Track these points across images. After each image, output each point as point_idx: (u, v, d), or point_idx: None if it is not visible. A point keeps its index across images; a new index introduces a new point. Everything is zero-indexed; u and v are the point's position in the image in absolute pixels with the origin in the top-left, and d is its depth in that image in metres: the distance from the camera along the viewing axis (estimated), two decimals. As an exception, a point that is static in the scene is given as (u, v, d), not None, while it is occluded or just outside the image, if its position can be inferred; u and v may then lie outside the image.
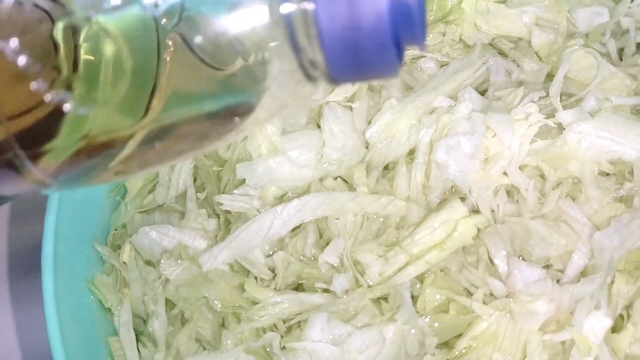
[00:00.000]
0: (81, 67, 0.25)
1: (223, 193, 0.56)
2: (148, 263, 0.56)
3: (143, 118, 0.26)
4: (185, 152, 0.29)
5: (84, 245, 0.56)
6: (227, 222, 0.56)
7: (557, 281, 0.50)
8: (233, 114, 0.27)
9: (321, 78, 0.25)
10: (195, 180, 0.59)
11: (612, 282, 0.48)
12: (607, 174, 0.54)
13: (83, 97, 0.25)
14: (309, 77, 0.25)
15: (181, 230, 0.55)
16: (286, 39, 0.24)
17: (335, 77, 0.25)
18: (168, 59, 0.25)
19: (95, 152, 0.26)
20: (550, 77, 0.58)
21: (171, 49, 0.25)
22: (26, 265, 0.64)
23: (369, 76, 0.26)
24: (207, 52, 0.25)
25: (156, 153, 0.27)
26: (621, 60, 0.58)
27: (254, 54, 0.25)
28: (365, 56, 0.24)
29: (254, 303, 0.52)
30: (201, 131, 0.27)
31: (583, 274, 0.50)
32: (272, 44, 0.25)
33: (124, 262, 0.56)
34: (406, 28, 0.24)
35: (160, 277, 0.54)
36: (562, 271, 0.51)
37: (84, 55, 0.25)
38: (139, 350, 0.53)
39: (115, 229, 0.59)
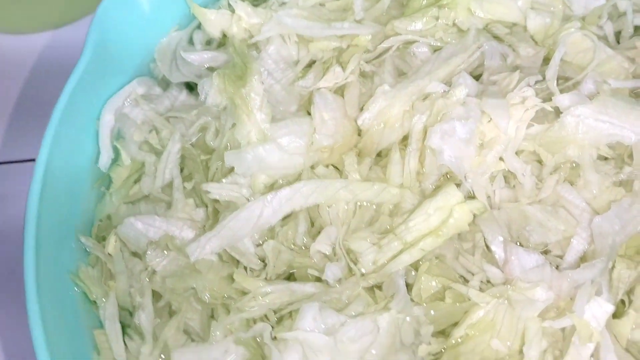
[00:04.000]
0: None
1: (211, 182, 0.54)
2: (134, 254, 0.54)
3: None
4: None
5: (68, 237, 0.54)
6: (216, 212, 0.54)
7: (556, 267, 0.48)
8: None
9: None
10: (182, 170, 0.57)
11: (613, 267, 0.47)
12: (606, 158, 0.53)
13: None
14: None
15: (168, 221, 0.53)
16: None
17: None
18: None
19: None
20: (547, 61, 0.56)
21: None
22: (8, 257, 0.62)
23: None
24: None
25: None
26: (618, 43, 0.57)
27: None
28: None
29: (244, 293, 0.50)
30: None
31: (582, 259, 0.49)
32: None
33: (109, 254, 0.54)
34: None
35: (146, 269, 0.53)
36: (560, 257, 0.49)
37: None
38: (125, 343, 0.51)
39: (100, 220, 0.57)
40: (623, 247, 0.48)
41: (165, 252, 0.52)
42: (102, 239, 0.56)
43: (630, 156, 0.52)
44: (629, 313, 0.45)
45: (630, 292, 0.47)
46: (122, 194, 0.57)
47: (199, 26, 0.64)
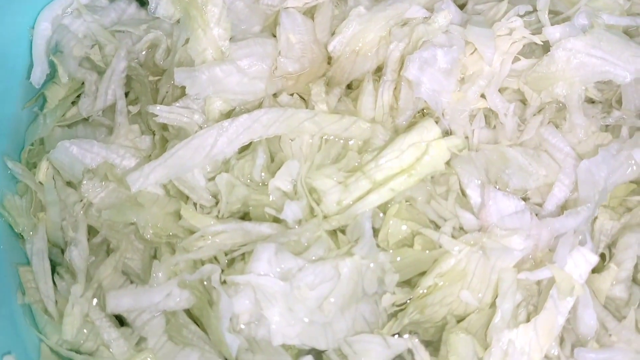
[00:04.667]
0: None
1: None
2: (68, 184, 0.48)
3: None
4: None
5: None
6: (164, 141, 0.48)
7: (536, 215, 0.45)
8: None
9: None
10: (127, 93, 0.51)
11: (595, 218, 0.43)
12: (593, 102, 0.49)
13: None
14: None
15: (108, 147, 0.47)
16: None
17: None
18: None
19: None
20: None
21: None
22: None
23: None
24: None
25: None
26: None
27: None
28: None
29: (192, 232, 0.45)
30: None
31: (563, 208, 0.45)
32: None
33: (40, 183, 0.48)
34: None
35: (81, 200, 0.47)
36: (540, 205, 0.45)
37: None
38: (54, 282, 0.45)
39: (32, 145, 0.50)
40: (607, 196, 0.45)
41: (103, 182, 0.46)
42: (33, 166, 0.49)
43: (619, 100, 0.48)
44: (610, 267, 0.42)
45: (612, 244, 0.44)
46: (58, 116, 0.50)
47: None
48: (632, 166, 0.44)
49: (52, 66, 0.52)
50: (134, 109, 0.50)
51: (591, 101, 0.49)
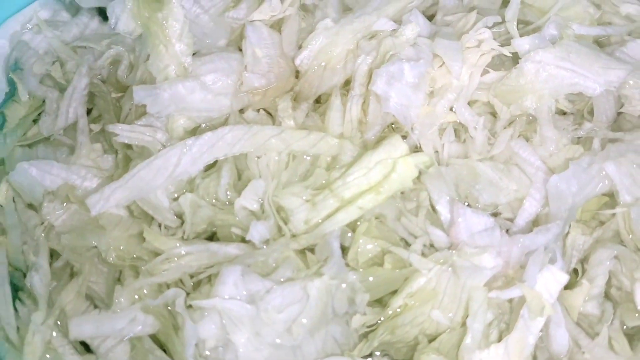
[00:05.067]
0: None
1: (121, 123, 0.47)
2: (29, 206, 0.47)
3: None
4: None
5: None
6: (127, 160, 0.47)
7: (506, 231, 0.44)
8: None
9: None
10: (90, 110, 0.49)
11: (567, 233, 0.43)
12: (564, 113, 0.48)
13: None
14: None
15: (68, 168, 0.46)
16: None
17: None
18: None
19: None
20: (505, 3, 0.51)
21: None
22: None
23: None
24: None
25: None
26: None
27: None
28: None
29: (156, 254, 0.44)
30: None
31: (534, 223, 0.44)
32: None
33: (-1, 205, 0.47)
34: None
35: (42, 223, 0.45)
36: (511, 220, 0.45)
37: None
38: (15, 309, 0.44)
39: (-10, 166, 0.49)
40: (579, 211, 0.44)
41: (65, 204, 0.45)
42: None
43: (591, 112, 0.48)
44: (582, 283, 0.41)
45: (584, 260, 0.43)
46: (18, 135, 0.49)
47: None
48: (604, 179, 0.44)
49: (12, 83, 0.51)
50: (96, 127, 0.48)
51: (562, 113, 0.48)
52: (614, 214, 0.44)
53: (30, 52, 0.51)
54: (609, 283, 0.42)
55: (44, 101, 0.50)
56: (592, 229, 0.43)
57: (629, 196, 0.43)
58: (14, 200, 0.47)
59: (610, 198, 0.45)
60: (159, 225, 0.45)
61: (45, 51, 0.51)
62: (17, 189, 0.46)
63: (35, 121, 0.50)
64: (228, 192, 0.45)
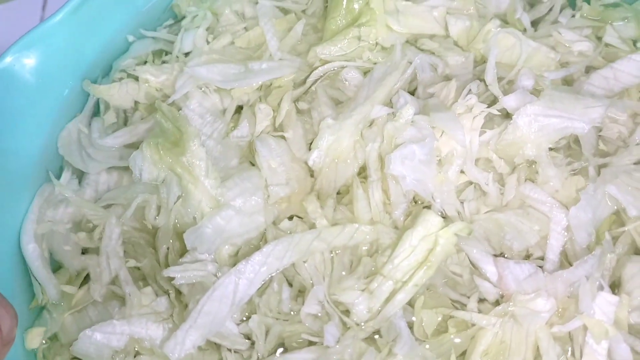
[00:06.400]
0: None
1: (167, 265, 0.48)
2: (97, 370, 0.47)
3: None
4: None
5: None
6: (179, 296, 0.48)
7: (540, 268, 0.48)
8: None
9: None
10: (126, 261, 0.50)
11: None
12: (554, 149, 0.53)
13: None
14: None
15: (129, 322, 0.47)
16: None
17: None
18: None
19: None
20: (476, 65, 0.56)
21: None
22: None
23: None
24: None
25: None
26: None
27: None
28: None
29: (238, 381, 0.45)
30: None
31: (562, 254, 0.49)
32: None
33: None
34: None
35: (120, 384, 0.46)
36: (542, 258, 0.49)
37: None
38: None
39: (44, 343, 0.48)
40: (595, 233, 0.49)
41: (136, 358, 0.46)
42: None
43: (575, 141, 0.53)
44: (623, 297, 0.46)
45: (612, 276, 0.48)
46: (64, 308, 0.49)
47: (96, 105, 0.57)
48: (609, 201, 0.49)
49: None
50: (139, 275, 0.49)
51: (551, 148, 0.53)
52: (623, 231, 0.49)
53: (58, 238, 0.51)
54: (642, 291, 0.47)
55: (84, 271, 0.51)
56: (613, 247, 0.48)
57: (635, 210, 0.48)
58: (78, 368, 0.47)
59: (617, 216, 0.50)
60: (228, 350, 0.47)
61: (69, 219, 0.52)
62: (83, 357, 0.46)
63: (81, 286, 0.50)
64: (289, 304, 0.47)
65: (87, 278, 0.50)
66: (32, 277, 0.50)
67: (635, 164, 0.51)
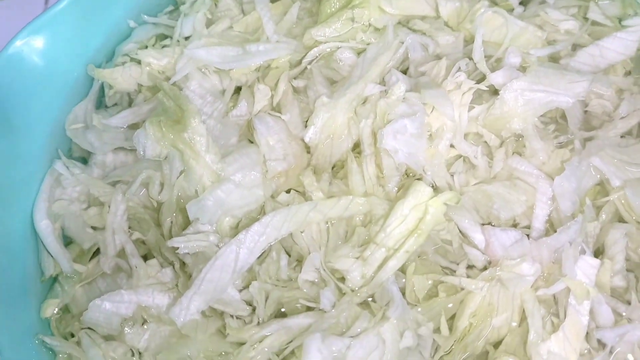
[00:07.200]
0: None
1: (171, 238, 0.51)
2: (107, 338, 0.49)
3: None
4: None
5: (25, 339, 0.49)
6: (184, 267, 0.51)
7: (528, 237, 0.50)
8: None
9: None
10: (131, 235, 0.53)
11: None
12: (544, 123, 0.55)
13: None
14: None
15: (136, 292, 0.49)
16: None
17: None
18: None
19: None
20: (466, 44, 0.58)
21: None
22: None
23: None
24: None
25: None
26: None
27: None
28: None
29: (240, 344, 0.48)
30: None
31: (549, 222, 0.51)
32: None
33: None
34: None
35: (130, 350, 0.48)
36: (528, 227, 0.51)
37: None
38: None
39: (56, 313, 0.51)
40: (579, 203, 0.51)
41: (144, 325, 0.48)
42: (70, 335, 0.51)
43: (562, 116, 0.55)
44: (605, 262, 0.48)
45: (596, 242, 0.50)
46: (75, 280, 0.52)
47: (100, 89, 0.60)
48: (593, 172, 0.51)
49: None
50: (144, 248, 0.52)
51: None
52: (607, 201, 0.51)
53: (71, 216, 0.54)
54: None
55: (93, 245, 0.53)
56: (597, 216, 0.50)
57: (618, 181, 0.51)
58: (90, 337, 0.49)
59: (602, 186, 0.52)
60: (231, 316, 0.49)
61: (78, 196, 0.54)
62: (93, 326, 0.49)
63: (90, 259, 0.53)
64: (287, 271, 0.50)
65: (97, 252, 0.53)
66: (46, 251, 0.52)
67: (620, 137, 0.54)
